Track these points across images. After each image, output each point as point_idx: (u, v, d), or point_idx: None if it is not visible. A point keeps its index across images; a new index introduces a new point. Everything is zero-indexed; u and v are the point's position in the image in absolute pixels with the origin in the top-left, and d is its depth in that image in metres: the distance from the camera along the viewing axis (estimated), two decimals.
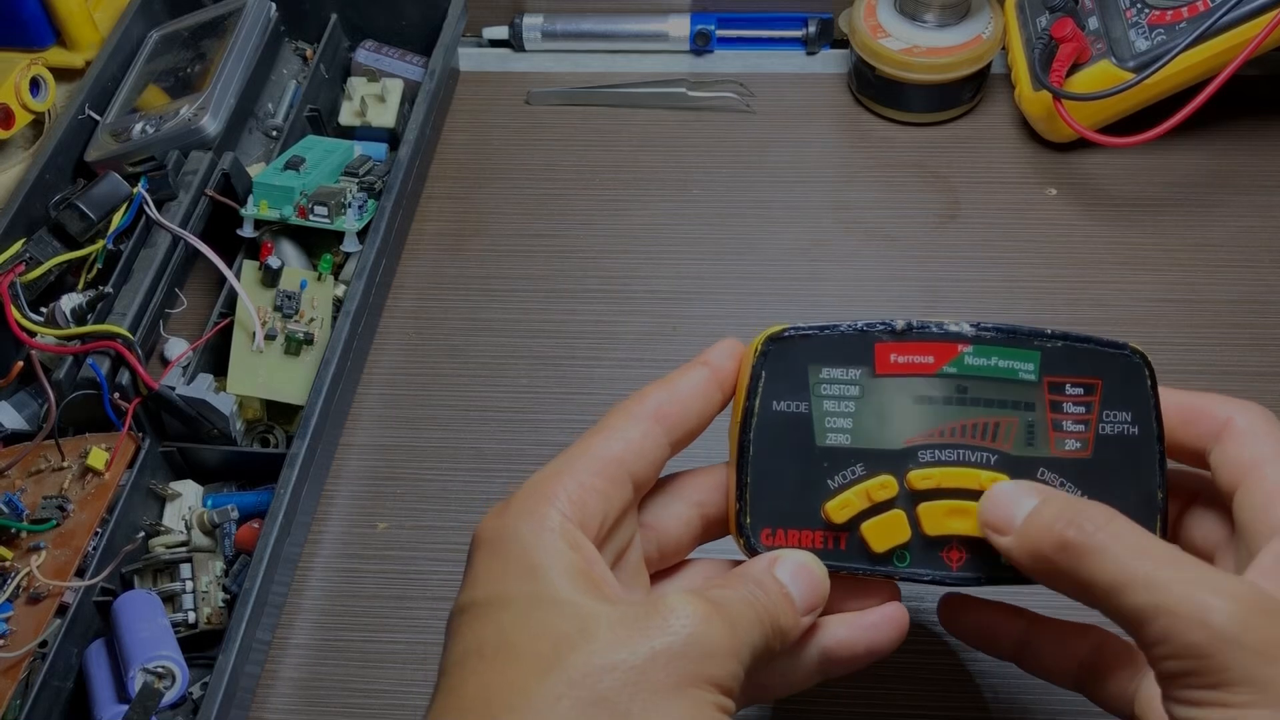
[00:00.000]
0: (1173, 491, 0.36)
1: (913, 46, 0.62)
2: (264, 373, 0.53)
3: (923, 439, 0.34)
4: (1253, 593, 0.28)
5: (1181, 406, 0.35)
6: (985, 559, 0.34)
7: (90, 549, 0.46)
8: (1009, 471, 0.34)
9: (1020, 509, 0.32)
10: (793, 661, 0.35)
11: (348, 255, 0.56)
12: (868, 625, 0.35)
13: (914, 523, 0.34)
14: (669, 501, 0.36)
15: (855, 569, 0.34)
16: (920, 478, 0.34)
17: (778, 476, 0.34)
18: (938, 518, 0.34)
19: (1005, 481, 0.34)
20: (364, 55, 0.67)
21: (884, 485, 0.34)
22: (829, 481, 0.34)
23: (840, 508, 0.34)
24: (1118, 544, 0.30)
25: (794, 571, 0.33)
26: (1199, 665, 0.27)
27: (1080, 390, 0.34)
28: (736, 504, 0.34)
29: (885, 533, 0.34)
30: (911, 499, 0.34)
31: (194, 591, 0.47)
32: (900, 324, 0.34)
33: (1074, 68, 0.60)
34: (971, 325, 0.34)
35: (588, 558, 0.31)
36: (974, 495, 0.34)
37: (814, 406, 0.34)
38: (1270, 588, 0.29)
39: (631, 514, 0.34)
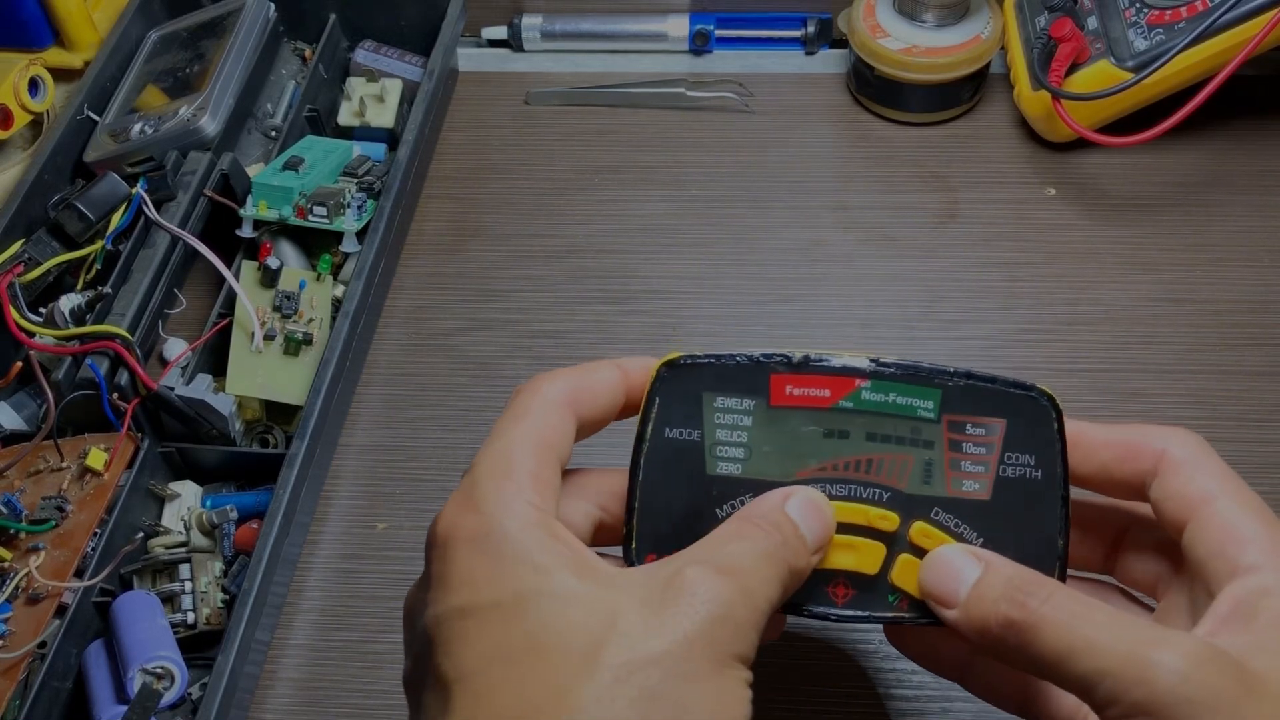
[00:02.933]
0: (1101, 526, 0.36)
1: (912, 46, 0.62)
2: (263, 373, 0.53)
3: (814, 472, 0.33)
4: (1198, 647, 0.28)
5: (1112, 443, 0.34)
6: (871, 597, 0.34)
7: (89, 549, 0.46)
8: (900, 510, 0.33)
9: (963, 581, 0.32)
10: None
11: (347, 255, 0.56)
12: None
13: None
14: (573, 499, 0.35)
15: None
16: None
17: (666, 503, 0.33)
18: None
19: (946, 546, 0.33)
20: (363, 55, 0.67)
21: None
22: (717, 510, 0.34)
23: None
24: (1059, 614, 0.29)
25: (803, 508, 0.32)
26: None
27: (981, 431, 0.33)
28: (625, 526, 0.34)
29: None
30: None
31: (193, 592, 0.47)
32: (797, 356, 0.33)
33: (1073, 67, 0.60)
34: (870, 361, 0.33)
35: (573, 545, 0.31)
36: (862, 531, 0.33)
37: (706, 435, 0.34)
38: (1226, 635, 0.29)
39: None
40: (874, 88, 0.65)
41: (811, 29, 0.69)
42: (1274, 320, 0.56)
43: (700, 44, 0.70)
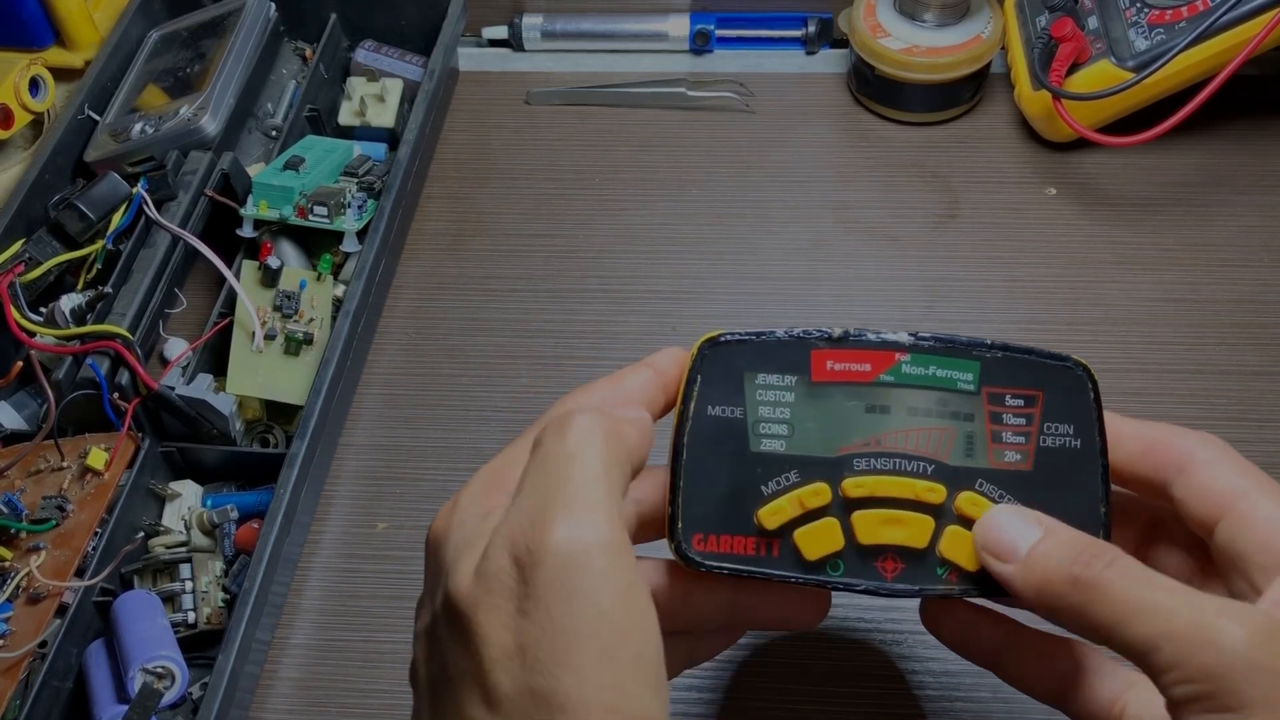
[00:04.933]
0: (1131, 518, 0.36)
1: (912, 46, 0.62)
2: (263, 373, 0.53)
3: (858, 447, 0.34)
4: (1263, 617, 0.28)
5: (1137, 437, 0.34)
6: (920, 571, 0.34)
7: (90, 549, 0.46)
8: (945, 482, 0.33)
9: (1023, 539, 0.32)
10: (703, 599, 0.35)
11: (347, 255, 0.56)
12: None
13: (848, 531, 0.34)
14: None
15: (788, 577, 0.34)
16: (854, 486, 0.33)
17: (711, 481, 0.33)
18: (872, 526, 0.34)
19: (1005, 506, 0.33)
20: (363, 55, 0.67)
21: (817, 492, 0.33)
22: (762, 488, 0.34)
23: (772, 514, 0.33)
24: (1125, 578, 0.29)
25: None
26: (1212, 688, 0.27)
27: (1020, 401, 0.34)
28: (669, 508, 0.34)
29: (818, 540, 0.33)
30: (845, 507, 0.34)
31: (194, 591, 0.47)
32: (837, 331, 0.34)
33: (1073, 67, 0.60)
34: (909, 334, 0.34)
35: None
36: (909, 505, 0.34)
37: (749, 412, 0.34)
38: None
39: None
40: (874, 87, 0.65)
41: (812, 29, 0.69)
42: (1274, 320, 0.56)
43: (701, 44, 0.70)
